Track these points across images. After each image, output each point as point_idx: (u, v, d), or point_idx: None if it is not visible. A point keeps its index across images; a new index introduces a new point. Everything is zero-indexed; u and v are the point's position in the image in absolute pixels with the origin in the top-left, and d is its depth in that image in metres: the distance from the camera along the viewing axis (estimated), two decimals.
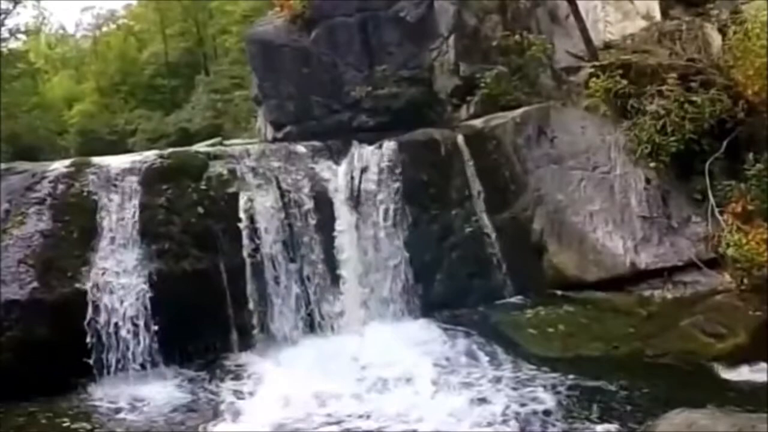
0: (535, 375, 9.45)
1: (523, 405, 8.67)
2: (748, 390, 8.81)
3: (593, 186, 12.12)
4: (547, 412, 8.42)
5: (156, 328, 9.97)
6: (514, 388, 9.12)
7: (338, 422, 8.67)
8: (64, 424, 8.86)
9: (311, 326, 10.98)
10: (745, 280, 10.46)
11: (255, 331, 10.64)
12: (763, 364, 9.33)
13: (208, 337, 10.47)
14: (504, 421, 8.36)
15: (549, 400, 8.69)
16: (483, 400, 8.89)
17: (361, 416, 8.76)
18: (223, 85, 22.36)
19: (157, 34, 30.87)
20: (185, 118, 23.95)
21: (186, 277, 10.39)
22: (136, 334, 9.93)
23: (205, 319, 10.32)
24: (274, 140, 14.71)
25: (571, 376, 9.27)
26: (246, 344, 10.61)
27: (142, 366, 9.95)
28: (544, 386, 9.07)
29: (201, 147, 15.15)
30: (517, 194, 12.36)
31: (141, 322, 9.96)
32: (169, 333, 9.99)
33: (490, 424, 8.30)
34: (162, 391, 9.61)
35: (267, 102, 14.95)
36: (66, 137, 27.25)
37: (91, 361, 9.72)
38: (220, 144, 17.21)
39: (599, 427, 7.99)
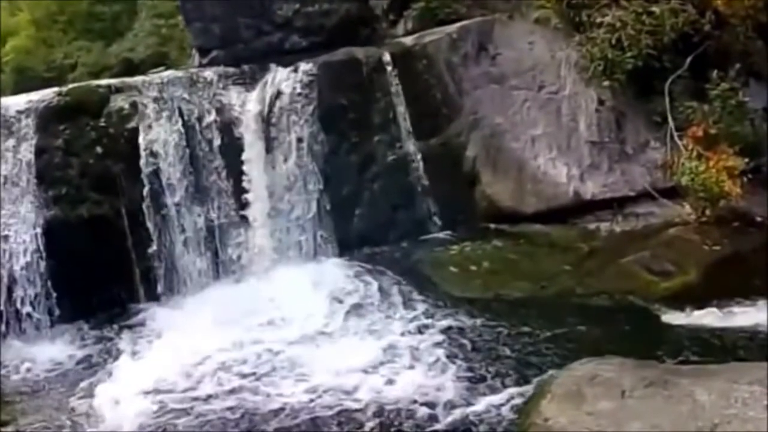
0: (443, 319, 8.35)
1: (417, 351, 7.72)
2: (690, 336, 7.58)
3: (538, 108, 10.90)
4: (438, 362, 7.44)
5: (54, 282, 9.30)
6: (416, 333, 8.13)
7: (229, 377, 7.73)
8: None
9: (218, 271, 10.16)
10: (708, 211, 9.35)
11: (160, 279, 9.86)
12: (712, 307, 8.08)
13: (112, 289, 9.69)
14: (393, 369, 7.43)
15: (447, 349, 7.68)
16: (391, 347, 7.90)
17: (255, 373, 7.79)
18: (167, 8, 20.72)
19: None
20: (128, 48, 22.46)
21: (84, 224, 9.59)
22: (33, 290, 9.27)
23: (108, 269, 9.56)
24: (201, 66, 13.42)
25: (481, 320, 8.18)
26: (152, 293, 9.84)
27: (41, 324, 9.29)
28: (449, 331, 8.05)
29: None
30: (449, 118, 11.13)
31: (37, 277, 9.30)
32: (69, 286, 9.31)
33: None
34: (59, 350, 8.85)
35: (191, 26, 13.61)
36: (1, 77, 25.55)
37: None
38: None
39: (488, 382, 6.99)
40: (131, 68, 19.97)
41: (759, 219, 9.42)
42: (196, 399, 7.30)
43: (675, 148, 9.95)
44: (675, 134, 10.01)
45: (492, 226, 10.61)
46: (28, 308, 9.25)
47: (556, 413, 5.54)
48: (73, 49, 24.54)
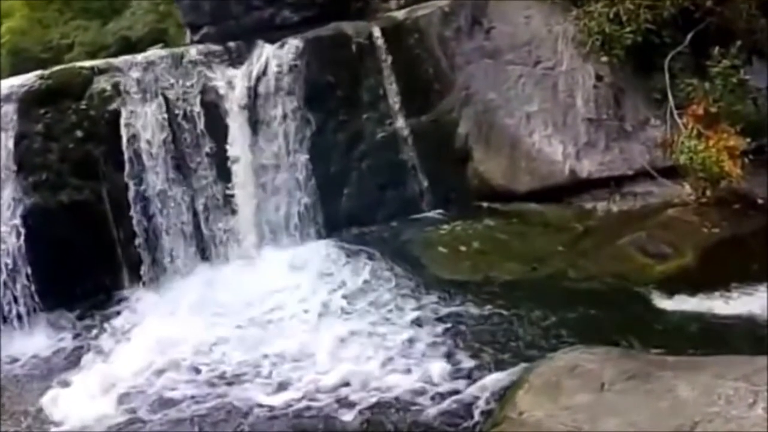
0: (429, 304, 8.13)
1: (404, 341, 7.50)
2: (684, 323, 7.31)
3: (533, 83, 10.54)
4: (424, 350, 7.27)
5: (36, 270, 9.08)
6: (404, 323, 7.90)
7: (210, 364, 7.60)
8: None
9: (203, 255, 9.95)
10: (708, 192, 9.03)
11: (145, 265, 9.63)
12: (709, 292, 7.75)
13: (96, 276, 9.53)
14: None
15: (431, 337, 7.49)
16: (376, 336, 7.72)
17: (240, 361, 7.62)
18: None
19: None
20: (126, 26, 22.10)
21: (65, 210, 9.42)
22: (14, 280, 9.05)
23: (91, 256, 9.41)
24: (192, 44, 13.16)
25: (468, 306, 7.94)
26: (136, 279, 9.64)
27: (23, 314, 9.07)
28: (434, 319, 7.83)
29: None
30: (441, 94, 10.82)
31: (19, 266, 9.08)
32: (51, 275, 9.08)
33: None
34: (40, 341, 8.75)
35: (181, 3, 13.34)
36: None
37: None
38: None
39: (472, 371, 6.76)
40: (129, 46, 19.60)
41: (760, 201, 9.09)
42: (171, 399, 7.11)
43: (675, 126, 9.60)
44: (675, 112, 9.65)
45: (484, 204, 10.37)
46: (9, 298, 9.04)
47: (531, 406, 5.30)
48: (69, 29, 24.14)
